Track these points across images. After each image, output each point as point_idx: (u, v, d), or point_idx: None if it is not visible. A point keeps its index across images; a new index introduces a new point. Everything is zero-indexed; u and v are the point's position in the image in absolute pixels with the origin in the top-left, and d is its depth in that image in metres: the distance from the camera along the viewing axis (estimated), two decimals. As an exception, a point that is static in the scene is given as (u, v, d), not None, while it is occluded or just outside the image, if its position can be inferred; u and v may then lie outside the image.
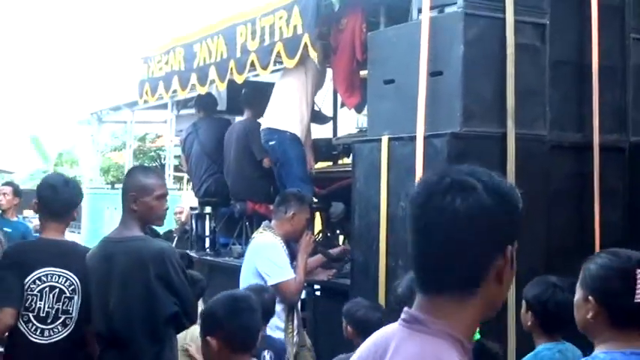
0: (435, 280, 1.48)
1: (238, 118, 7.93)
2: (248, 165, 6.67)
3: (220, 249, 7.34)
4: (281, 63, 6.23)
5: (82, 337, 3.77)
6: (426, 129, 4.26)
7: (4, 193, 7.73)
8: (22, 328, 3.71)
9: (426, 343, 1.44)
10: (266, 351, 4.06)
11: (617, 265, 2.32)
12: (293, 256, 5.01)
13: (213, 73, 6.67)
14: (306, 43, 5.43)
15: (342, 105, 7.26)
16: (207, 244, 7.75)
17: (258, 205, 6.69)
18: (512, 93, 4.28)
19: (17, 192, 7.86)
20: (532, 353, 3.20)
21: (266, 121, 6.33)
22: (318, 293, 5.76)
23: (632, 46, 4.90)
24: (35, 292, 3.71)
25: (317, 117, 7.02)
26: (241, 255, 6.33)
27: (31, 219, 16.16)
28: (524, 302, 3.27)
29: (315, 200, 6.13)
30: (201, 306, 3.94)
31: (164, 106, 11.35)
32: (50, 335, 3.73)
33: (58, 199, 3.83)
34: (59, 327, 3.74)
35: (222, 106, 7.85)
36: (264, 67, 6.00)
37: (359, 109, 6.71)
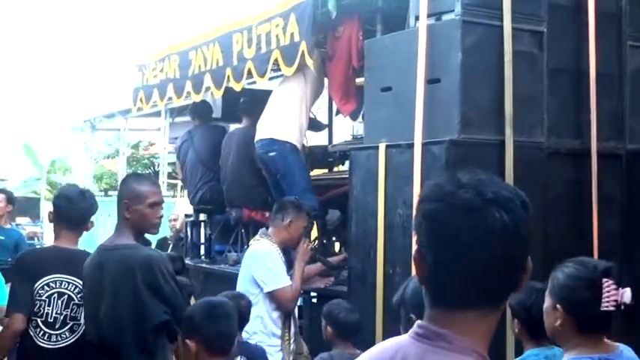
0: (462, 295, 1.41)
1: (233, 126, 7.91)
2: (247, 172, 6.64)
3: (216, 256, 7.31)
4: (277, 70, 6.21)
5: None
6: (424, 136, 4.26)
7: (-4, 201, 7.69)
8: (31, 333, 3.80)
9: None
10: (239, 357, 4.05)
11: (584, 275, 2.40)
12: (291, 264, 4.99)
13: (208, 81, 6.65)
14: (303, 51, 5.41)
15: (338, 112, 7.27)
16: (202, 252, 7.72)
17: (255, 213, 6.67)
18: (510, 100, 4.28)
19: (10, 199, 7.82)
20: (519, 359, 3.19)
21: (264, 131, 6.22)
22: (314, 300, 5.74)
23: (629, 53, 4.91)
24: (44, 298, 3.79)
25: (313, 124, 7.00)
26: (237, 262, 6.32)
27: (24, 226, 16.16)
28: (508, 309, 3.27)
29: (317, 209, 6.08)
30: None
31: (157, 114, 11.34)
32: (57, 340, 3.80)
33: (74, 209, 3.93)
34: (67, 333, 3.82)
35: (217, 113, 7.84)
36: (262, 75, 5.97)
37: (354, 117, 6.71)
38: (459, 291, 1.41)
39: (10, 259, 6.58)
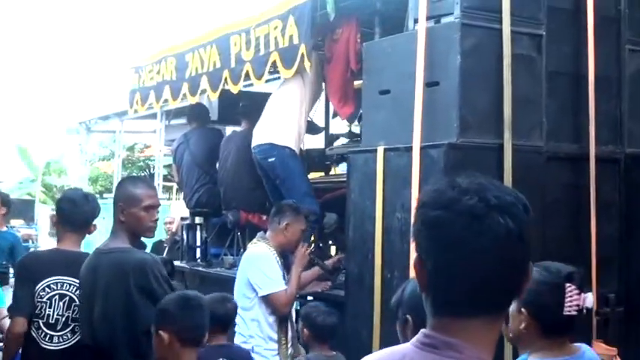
0: (467, 302, 1.39)
1: (230, 128, 7.89)
2: (246, 174, 6.60)
3: (212, 259, 7.28)
4: (275, 73, 6.19)
5: None
6: (423, 139, 4.24)
7: (-9, 203, 7.64)
8: (33, 334, 3.87)
9: None
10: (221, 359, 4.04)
11: (549, 280, 2.44)
12: (289, 268, 4.96)
13: (205, 83, 6.62)
14: (303, 54, 5.39)
15: (335, 115, 7.25)
16: (198, 255, 7.69)
17: (252, 215, 6.65)
18: (508, 104, 4.27)
19: (5, 201, 7.75)
20: None
21: (262, 136, 6.17)
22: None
23: (628, 56, 4.90)
24: (45, 300, 3.85)
25: (310, 127, 6.98)
26: (233, 266, 6.29)
27: (19, 228, 16.08)
28: None
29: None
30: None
31: (153, 116, 11.30)
32: (59, 342, 3.87)
33: (78, 212, 4.01)
34: (68, 334, 3.88)
35: (213, 116, 7.82)
36: (259, 78, 5.95)
37: (351, 120, 6.69)
38: (464, 298, 1.39)
39: (4, 262, 6.54)
